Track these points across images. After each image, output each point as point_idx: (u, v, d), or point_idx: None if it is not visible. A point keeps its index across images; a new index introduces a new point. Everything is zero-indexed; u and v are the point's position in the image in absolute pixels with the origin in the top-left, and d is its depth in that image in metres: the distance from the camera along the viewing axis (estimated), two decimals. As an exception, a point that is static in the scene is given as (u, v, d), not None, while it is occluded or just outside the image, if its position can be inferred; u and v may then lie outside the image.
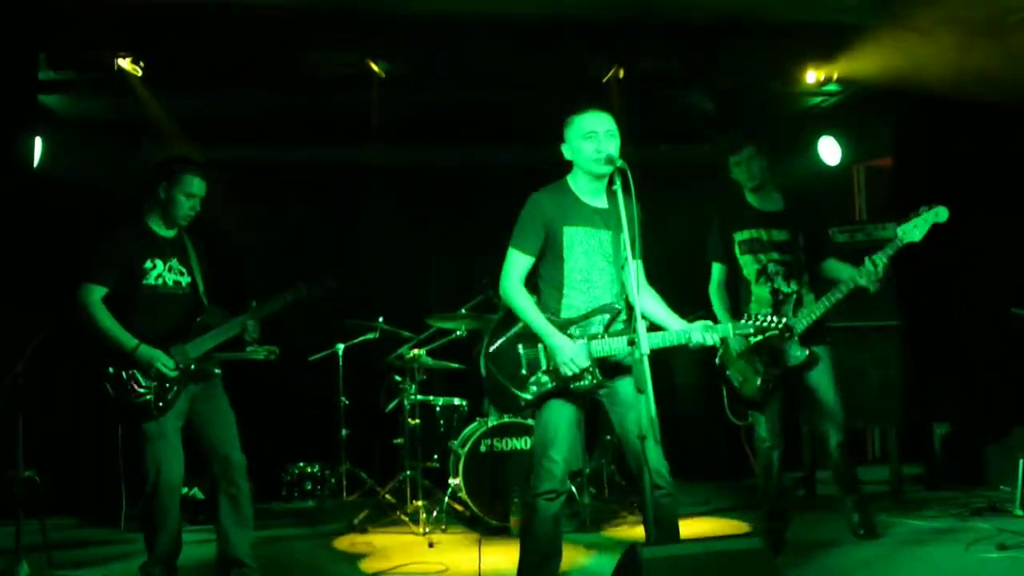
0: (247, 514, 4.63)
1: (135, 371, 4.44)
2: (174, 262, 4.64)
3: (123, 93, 6.44)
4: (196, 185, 4.62)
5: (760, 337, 3.96)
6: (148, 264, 4.55)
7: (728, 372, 5.26)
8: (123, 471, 5.98)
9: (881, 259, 4.80)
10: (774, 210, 5.27)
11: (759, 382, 5.10)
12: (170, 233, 4.68)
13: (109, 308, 4.47)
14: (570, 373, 3.86)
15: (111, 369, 4.43)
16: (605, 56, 6.64)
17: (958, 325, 6.73)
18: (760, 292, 5.21)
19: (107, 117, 7.32)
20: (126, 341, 4.42)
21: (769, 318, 3.87)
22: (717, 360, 5.32)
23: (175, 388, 4.49)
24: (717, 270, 5.35)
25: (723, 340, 4.31)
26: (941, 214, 4.73)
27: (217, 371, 4.65)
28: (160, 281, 4.57)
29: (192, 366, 4.54)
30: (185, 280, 4.66)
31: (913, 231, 4.74)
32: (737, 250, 5.28)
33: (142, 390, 4.43)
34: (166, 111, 6.70)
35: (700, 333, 3.83)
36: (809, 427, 5.80)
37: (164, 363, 4.44)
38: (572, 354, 3.86)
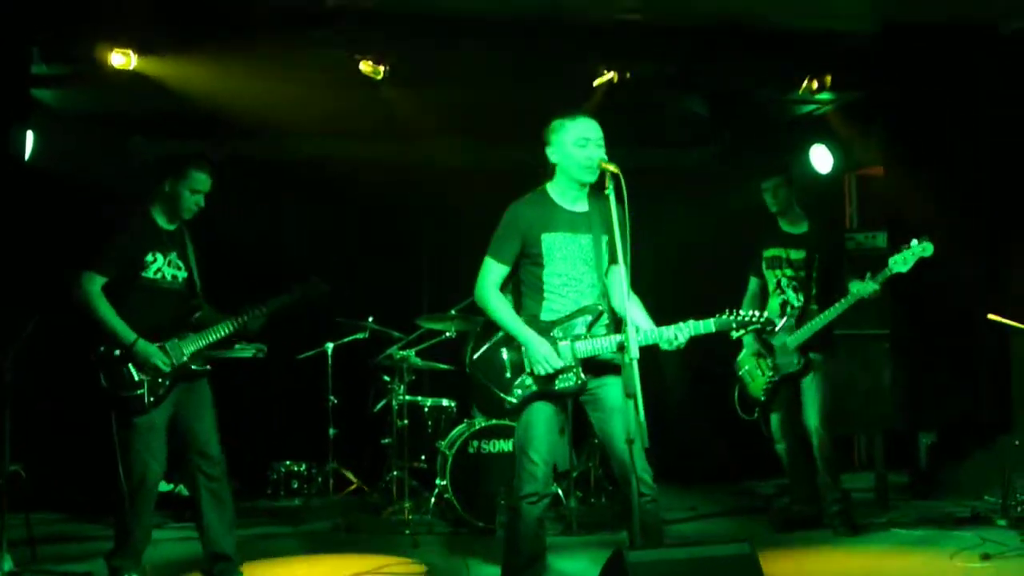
0: (229, 507, 4.64)
1: (130, 364, 4.43)
2: (173, 256, 4.63)
3: (116, 85, 6.41)
4: (202, 182, 4.58)
5: (743, 332, 4.02)
6: (150, 257, 4.54)
7: (740, 372, 5.84)
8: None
9: (873, 287, 5.27)
10: (796, 232, 5.79)
11: (764, 383, 5.68)
12: (171, 227, 4.66)
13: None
14: (542, 373, 3.86)
15: (106, 359, 4.42)
16: (601, 60, 6.64)
17: (946, 334, 6.73)
18: (773, 303, 5.75)
19: (99, 111, 7.29)
20: (125, 335, 4.41)
21: (751, 313, 3.91)
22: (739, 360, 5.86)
23: (167, 383, 4.50)
24: (752, 283, 5.94)
25: (740, 340, 4.73)
26: (927, 249, 5.13)
27: (208, 367, 4.66)
28: (159, 275, 4.57)
29: (187, 363, 4.54)
30: (182, 275, 4.66)
31: (902, 264, 5.17)
32: (763, 265, 5.84)
33: (135, 383, 4.43)
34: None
35: (672, 332, 3.84)
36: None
37: (161, 360, 4.44)
38: (546, 354, 3.87)
